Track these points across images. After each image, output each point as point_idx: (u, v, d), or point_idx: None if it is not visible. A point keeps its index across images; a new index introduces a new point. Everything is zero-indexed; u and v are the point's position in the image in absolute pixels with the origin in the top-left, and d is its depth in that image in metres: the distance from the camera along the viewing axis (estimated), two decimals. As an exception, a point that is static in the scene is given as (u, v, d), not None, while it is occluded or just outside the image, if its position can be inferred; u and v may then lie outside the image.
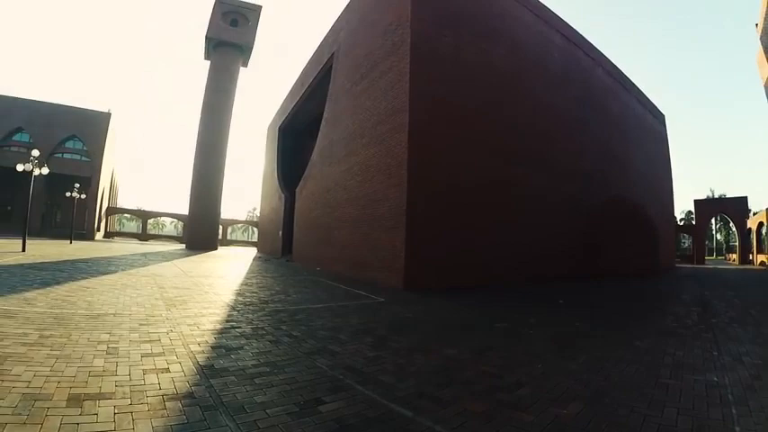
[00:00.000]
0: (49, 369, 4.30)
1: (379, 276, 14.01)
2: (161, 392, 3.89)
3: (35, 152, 23.19)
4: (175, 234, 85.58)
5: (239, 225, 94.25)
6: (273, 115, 41.94)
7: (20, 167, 22.84)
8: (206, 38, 47.11)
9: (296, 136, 35.64)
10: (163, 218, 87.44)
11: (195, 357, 5.08)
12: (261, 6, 49.37)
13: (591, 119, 21.79)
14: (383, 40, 16.05)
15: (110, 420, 3.25)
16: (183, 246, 47.03)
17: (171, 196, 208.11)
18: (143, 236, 67.81)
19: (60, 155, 48.96)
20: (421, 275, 12.99)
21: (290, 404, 3.88)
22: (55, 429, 3.04)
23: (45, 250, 22.96)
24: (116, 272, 14.73)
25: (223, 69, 46.43)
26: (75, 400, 3.57)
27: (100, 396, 3.70)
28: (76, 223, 41.28)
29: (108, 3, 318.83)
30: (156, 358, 4.91)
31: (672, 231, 39.24)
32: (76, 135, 50.17)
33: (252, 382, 4.35)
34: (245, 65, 50.17)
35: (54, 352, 4.89)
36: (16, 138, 48.14)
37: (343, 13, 22.84)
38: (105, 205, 59.01)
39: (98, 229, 53.79)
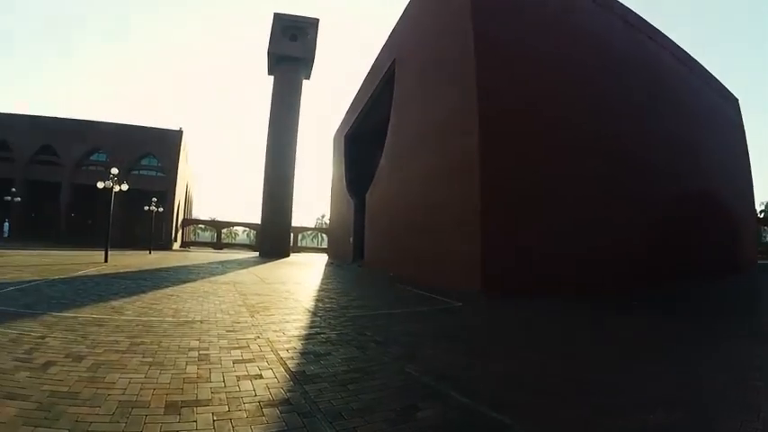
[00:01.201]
0: (143, 376, 4.35)
1: (455, 280, 13.61)
2: (257, 399, 3.84)
3: (114, 170, 24.40)
4: (248, 242, 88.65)
5: (309, 232, 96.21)
6: (339, 123, 42.45)
7: (100, 185, 24.01)
8: (268, 54, 48.37)
9: (362, 143, 35.77)
10: (235, 227, 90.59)
11: (286, 363, 5.03)
12: (318, 19, 50.12)
13: (659, 107, 20.43)
14: (445, 42, 15.76)
15: (209, 427, 3.22)
16: (257, 253, 48.35)
17: (242, 206, 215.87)
18: (217, 245, 70.53)
19: (137, 172, 51.70)
20: (497, 279, 12.49)
21: (386, 410, 3.75)
22: None
23: (126, 261, 23.98)
24: (196, 280, 15.19)
25: (286, 83, 47.49)
26: (173, 407, 3.56)
27: (196, 403, 3.69)
28: (155, 235, 43.33)
29: (176, 24, 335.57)
30: (247, 365, 4.89)
31: (753, 224, 36.18)
32: (151, 153, 52.75)
33: (345, 389, 4.25)
34: (308, 77, 51.01)
35: (146, 359, 4.97)
36: (94, 158, 51.11)
37: (401, 19, 22.72)
38: (181, 217, 61.71)
39: (175, 240, 56.14)
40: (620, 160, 16.73)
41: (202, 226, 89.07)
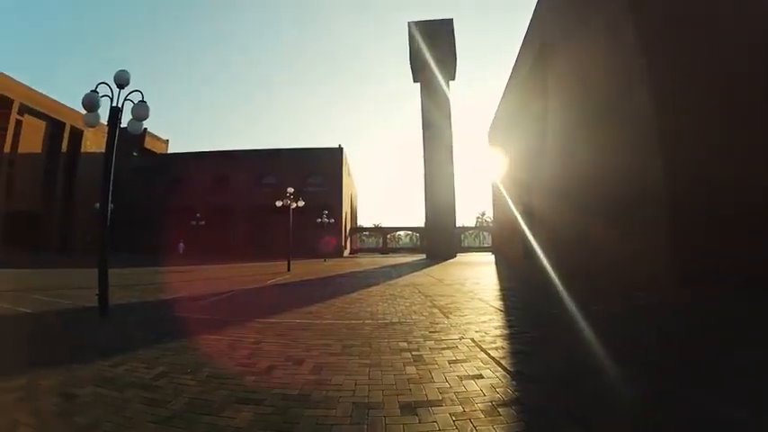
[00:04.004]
0: (366, 377, 4.49)
1: (643, 275, 12.33)
2: (487, 399, 3.78)
3: (290, 189, 26.80)
4: (411, 245, 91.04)
5: (470, 231, 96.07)
6: (493, 116, 41.68)
7: (278, 203, 26.61)
8: (410, 61, 49.32)
9: (515, 135, 34.77)
10: (398, 232, 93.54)
11: (501, 363, 4.93)
12: (452, 19, 49.89)
13: None
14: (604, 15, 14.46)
15: (451, 427, 3.21)
16: (423, 256, 49.40)
17: (402, 210, 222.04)
18: (383, 250, 73.52)
19: (306, 189, 56.21)
20: (691, 272, 11.00)
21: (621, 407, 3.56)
22: None
23: (305, 269, 25.70)
24: (377, 284, 15.75)
25: (432, 87, 48.05)
26: (408, 408, 3.61)
27: (429, 403, 3.71)
28: (327, 244, 46.47)
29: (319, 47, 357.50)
30: (462, 365, 4.87)
31: None
32: (317, 171, 56.79)
33: (574, 388, 4.06)
34: (453, 77, 50.99)
35: (363, 361, 5.14)
36: (265, 180, 56.69)
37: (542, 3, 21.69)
38: (348, 226, 65.53)
39: (344, 248, 59.70)
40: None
41: (367, 233, 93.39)
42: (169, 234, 46.00)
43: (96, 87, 8.54)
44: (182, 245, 39.47)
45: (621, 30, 13.37)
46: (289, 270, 23.51)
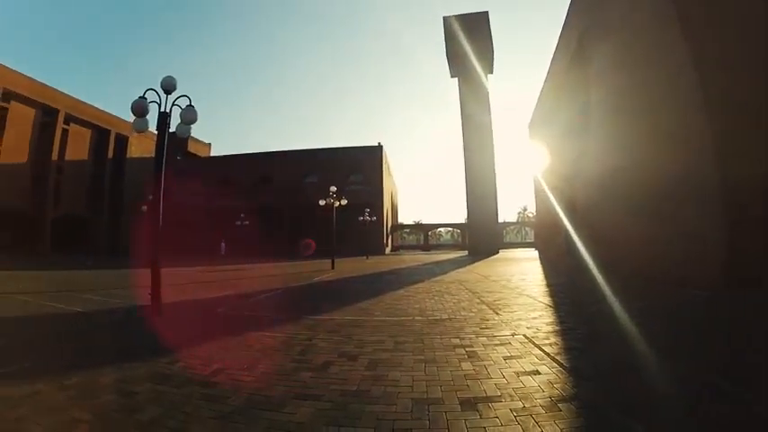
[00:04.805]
0: (423, 373, 4.53)
1: (693, 271, 11.86)
2: (546, 395, 3.78)
3: (333, 188, 27.09)
4: (452, 242, 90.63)
5: (511, 227, 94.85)
6: (533, 109, 41.03)
7: (321, 202, 26.94)
8: (447, 57, 48.99)
9: (556, 128, 34.14)
10: (439, 228, 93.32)
11: (556, 359, 4.92)
12: (487, 12, 49.25)
13: None
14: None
15: (512, 423, 3.23)
16: (464, 252, 49.14)
17: (443, 206, 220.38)
18: (425, 246, 73.55)
19: (347, 188, 56.65)
20: (748, 270, 10.49)
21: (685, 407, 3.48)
22: None
23: (349, 266, 25.95)
24: (422, 280, 15.79)
25: (470, 81, 47.65)
26: (468, 404, 3.64)
27: (488, 399, 3.73)
28: (369, 242, 46.76)
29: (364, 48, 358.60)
30: (518, 361, 4.88)
31: None
32: (357, 169, 57.18)
33: (632, 385, 4.02)
34: (491, 71, 50.41)
35: (418, 357, 5.19)
36: (307, 180, 57.48)
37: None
38: (389, 223, 65.74)
39: (386, 245, 59.90)
40: None
41: (407, 230, 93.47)
42: (212, 234, 47.34)
43: (144, 93, 8.84)
44: (223, 245, 40.50)
45: (668, 17, 12.94)
46: (333, 268, 23.76)
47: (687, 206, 12.02)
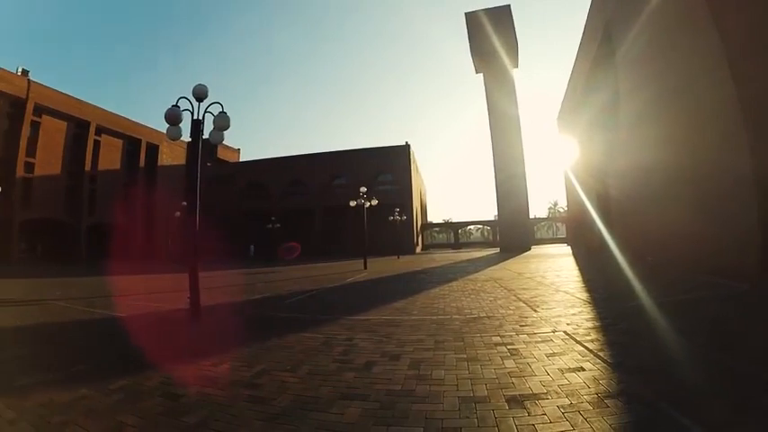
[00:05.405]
0: (467, 372, 4.55)
1: (730, 263, 11.52)
2: (592, 391, 3.80)
3: (363, 189, 27.20)
4: (482, 240, 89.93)
5: (543, 222, 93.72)
6: (560, 105, 40.49)
7: (352, 203, 27.09)
8: (470, 52, 48.70)
9: (585, 121, 33.61)
10: (469, 226, 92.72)
11: (599, 355, 4.91)
12: (509, 6, 48.75)
13: None
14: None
15: (561, 419, 3.25)
16: (495, 250, 48.74)
17: (471, 204, 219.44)
18: (455, 245, 73.18)
19: (376, 188, 56.87)
20: None
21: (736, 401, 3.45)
22: (513, 430, 3.13)
23: (381, 266, 26.04)
24: (456, 279, 15.77)
25: (496, 76, 47.32)
26: (515, 402, 3.66)
27: (535, 396, 3.75)
28: (399, 241, 46.82)
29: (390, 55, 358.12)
30: (561, 357, 4.89)
31: None
32: (385, 169, 57.48)
33: (677, 379, 4.03)
34: (516, 65, 49.91)
35: (460, 355, 5.21)
36: (336, 181, 58.30)
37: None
38: (419, 223, 65.65)
39: (416, 244, 59.89)
40: None
41: (437, 229, 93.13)
42: (243, 238, 48.12)
43: (177, 102, 9.04)
44: (252, 247, 41.09)
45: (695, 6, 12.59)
46: (365, 268, 23.90)
47: (727, 199, 11.72)
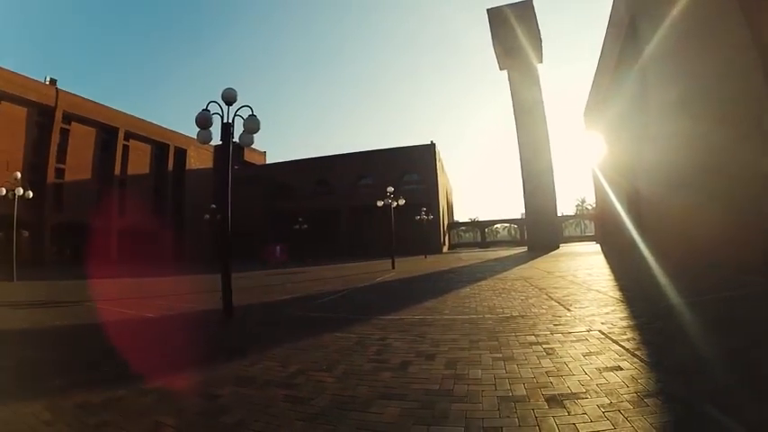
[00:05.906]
0: (503, 371, 4.56)
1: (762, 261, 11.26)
2: (631, 390, 3.80)
3: (390, 189, 27.31)
4: (509, 238, 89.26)
5: (570, 220, 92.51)
6: (587, 101, 39.92)
7: (379, 203, 27.23)
8: (494, 49, 48.42)
9: (613, 116, 33.03)
10: (495, 225, 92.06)
11: (636, 354, 4.90)
12: (531, 0, 48.17)
13: None
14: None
15: (601, 418, 3.26)
16: (523, 248, 48.38)
17: (497, 202, 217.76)
18: (482, 244, 72.82)
19: (402, 187, 56.98)
20: None
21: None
22: (554, 430, 3.15)
23: (409, 266, 26.06)
24: (486, 278, 15.77)
25: (520, 72, 46.99)
26: (555, 401, 3.67)
27: (574, 396, 3.76)
28: (426, 241, 46.77)
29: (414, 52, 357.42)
30: (597, 357, 4.89)
31: None
32: (411, 169, 57.60)
33: (717, 378, 4.03)
34: (540, 60, 49.43)
35: (495, 355, 5.22)
36: (362, 182, 58.97)
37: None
38: (446, 222, 65.49)
39: (443, 243, 59.82)
40: None
41: (464, 228, 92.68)
42: (270, 239, 48.67)
43: (207, 106, 9.26)
44: (278, 248, 41.54)
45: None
46: (393, 268, 24.02)
47: (754, 195, 11.51)
